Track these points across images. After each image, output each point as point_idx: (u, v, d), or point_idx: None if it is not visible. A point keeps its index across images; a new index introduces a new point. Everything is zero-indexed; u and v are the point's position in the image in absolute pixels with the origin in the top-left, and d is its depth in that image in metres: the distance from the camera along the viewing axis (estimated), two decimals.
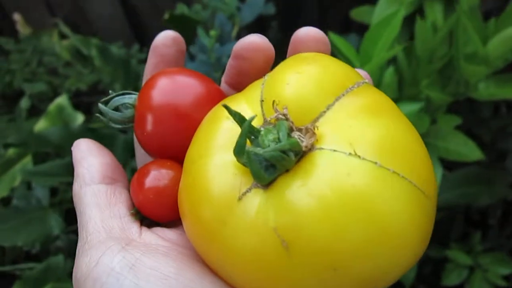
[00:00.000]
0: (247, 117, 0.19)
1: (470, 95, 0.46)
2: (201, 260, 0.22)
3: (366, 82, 0.22)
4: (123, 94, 0.26)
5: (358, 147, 0.19)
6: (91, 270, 0.21)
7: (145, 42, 0.93)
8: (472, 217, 0.74)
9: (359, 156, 0.18)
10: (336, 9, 0.86)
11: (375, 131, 0.19)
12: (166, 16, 0.72)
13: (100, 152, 0.26)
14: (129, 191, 0.26)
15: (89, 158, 0.26)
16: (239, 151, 0.19)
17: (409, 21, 0.54)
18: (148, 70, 0.28)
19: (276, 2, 0.68)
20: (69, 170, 0.73)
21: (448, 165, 0.61)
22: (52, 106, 0.79)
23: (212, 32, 0.55)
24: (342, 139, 0.19)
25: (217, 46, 0.57)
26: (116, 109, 0.26)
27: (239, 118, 0.20)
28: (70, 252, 0.78)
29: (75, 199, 0.25)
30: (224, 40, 0.59)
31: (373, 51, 0.46)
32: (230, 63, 0.25)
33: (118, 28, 0.94)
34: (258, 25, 0.71)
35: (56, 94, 0.89)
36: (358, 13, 0.63)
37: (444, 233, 0.70)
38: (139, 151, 0.30)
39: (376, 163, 0.18)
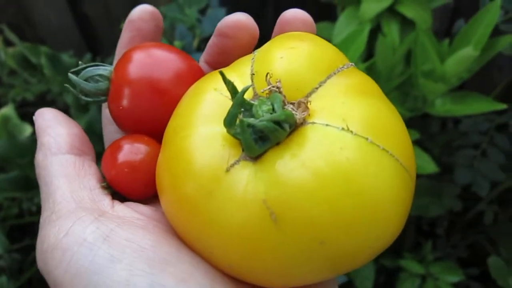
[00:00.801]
0: (239, 89, 0.19)
1: (427, 110, 0.48)
2: (178, 235, 0.21)
3: (353, 65, 0.22)
4: (96, 65, 0.25)
5: (350, 123, 0.19)
6: (59, 240, 0.19)
7: (98, 51, 0.90)
8: (422, 227, 0.77)
9: (351, 131, 0.18)
10: None
11: (365, 109, 0.20)
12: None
13: (68, 123, 0.25)
14: (98, 165, 0.25)
15: (56, 127, 0.24)
16: (230, 121, 0.19)
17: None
18: (122, 44, 0.27)
19: None
20: (14, 185, 0.69)
21: None
22: None
23: (177, 43, 0.54)
24: (335, 115, 0.19)
25: None
26: (87, 81, 0.25)
27: (232, 88, 0.19)
28: (13, 272, 0.73)
29: (38, 170, 0.23)
30: (186, 51, 0.59)
31: None
32: (212, 41, 0.25)
33: (68, 37, 0.90)
34: None
35: None
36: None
37: (397, 243, 0.72)
38: (108, 129, 0.28)
39: (367, 139, 0.18)
